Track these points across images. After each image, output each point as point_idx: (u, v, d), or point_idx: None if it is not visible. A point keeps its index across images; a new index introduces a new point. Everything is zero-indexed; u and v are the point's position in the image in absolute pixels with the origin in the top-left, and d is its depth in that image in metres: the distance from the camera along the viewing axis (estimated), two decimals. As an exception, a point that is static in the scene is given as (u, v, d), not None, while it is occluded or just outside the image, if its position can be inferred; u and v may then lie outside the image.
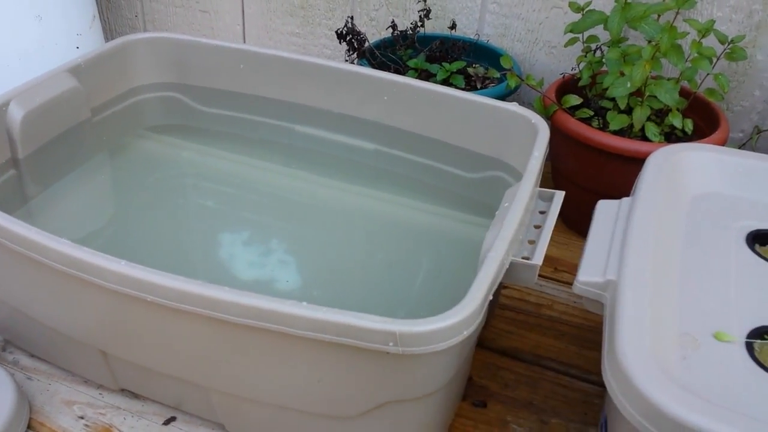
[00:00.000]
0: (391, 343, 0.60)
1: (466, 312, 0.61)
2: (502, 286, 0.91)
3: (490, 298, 0.66)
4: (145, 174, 1.08)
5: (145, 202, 1.04)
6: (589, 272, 0.67)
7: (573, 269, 0.81)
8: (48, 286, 0.76)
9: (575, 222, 1.14)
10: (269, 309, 0.62)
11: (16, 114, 0.94)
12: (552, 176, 1.17)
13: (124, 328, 0.75)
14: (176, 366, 0.75)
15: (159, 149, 1.14)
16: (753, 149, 1.18)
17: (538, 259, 0.73)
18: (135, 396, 0.85)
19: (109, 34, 1.67)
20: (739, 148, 1.19)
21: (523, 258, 0.74)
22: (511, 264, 0.72)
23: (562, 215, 1.15)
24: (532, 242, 0.77)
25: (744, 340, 0.62)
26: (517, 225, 0.72)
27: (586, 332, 0.97)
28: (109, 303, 0.71)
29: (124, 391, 0.86)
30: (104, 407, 0.84)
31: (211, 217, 1.03)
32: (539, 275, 1.05)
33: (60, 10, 1.27)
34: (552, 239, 1.12)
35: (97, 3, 1.41)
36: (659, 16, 1.04)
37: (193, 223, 1.03)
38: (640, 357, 0.56)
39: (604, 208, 0.76)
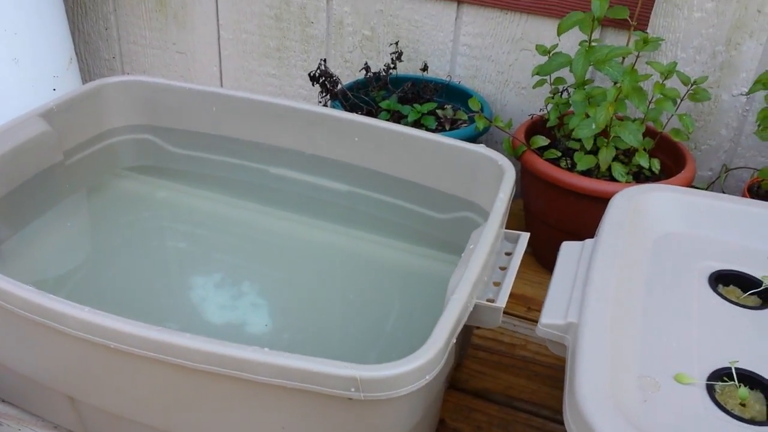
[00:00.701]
0: (353, 389, 0.60)
1: (428, 356, 0.61)
2: (474, 326, 0.91)
3: (454, 341, 0.66)
4: (117, 216, 1.08)
5: (117, 244, 1.04)
6: (551, 315, 0.68)
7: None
8: (14, 331, 0.76)
9: (548, 261, 1.14)
10: (230, 355, 0.62)
11: (-14, 159, 0.94)
12: (524, 216, 1.18)
13: (89, 375, 0.74)
14: (141, 412, 0.75)
15: (131, 192, 1.14)
16: (721, 187, 1.20)
17: (501, 302, 0.73)
18: (103, 442, 0.85)
19: (87, 75, 1.67)
20: (708, 186, 1.21)
21: (488, 300, 0.74)
22: (475, 306, 0.73)
23: (536, 254, 1.16)
24: (497, 284, 0.77)
25: (705, 382, 0.62)
26: (481, 267, 0.73)
27: (558, 372, 0.97)
28: (74, 349, 0.71)
29: (92, 437, 0.85)
30: (72, 454, 0.84)
31: (184, 259, 1.03)
32: (513, 315, 1.06)
33: (37, 52, 1.28)
34: (525, 278, 1.14)
35: (74, 45, 1.42)
36: (624, 58, 1.06)
37: (165, 266, 1.03)
38: (600, 400, 0.56)
39: (568, 250, 0.76)
